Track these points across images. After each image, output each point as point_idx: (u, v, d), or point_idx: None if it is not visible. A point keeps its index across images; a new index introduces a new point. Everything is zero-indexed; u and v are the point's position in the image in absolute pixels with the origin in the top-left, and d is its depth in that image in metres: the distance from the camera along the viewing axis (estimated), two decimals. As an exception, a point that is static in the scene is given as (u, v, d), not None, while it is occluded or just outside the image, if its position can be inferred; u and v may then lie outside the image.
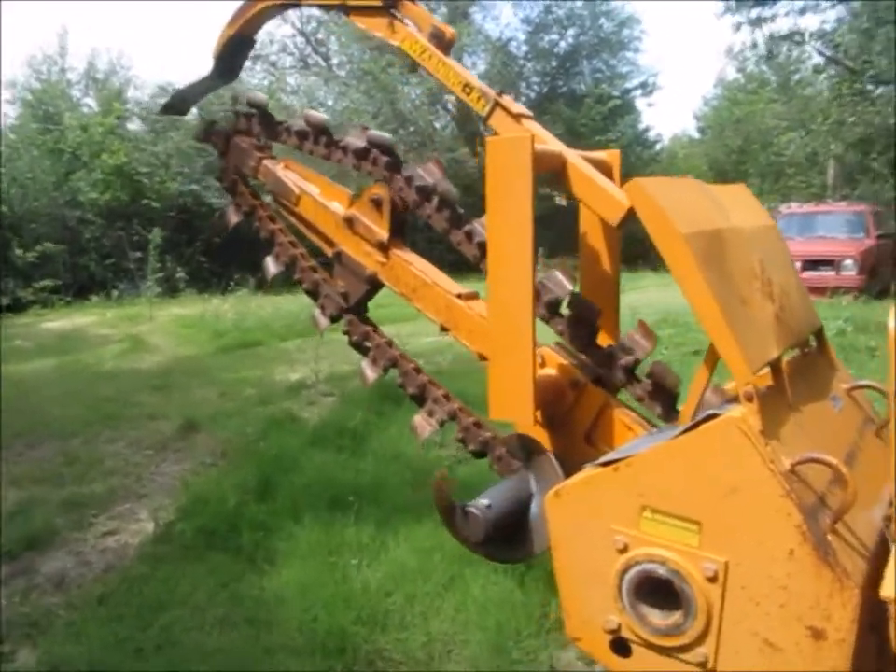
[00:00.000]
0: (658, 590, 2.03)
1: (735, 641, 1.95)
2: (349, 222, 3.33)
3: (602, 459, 2.13)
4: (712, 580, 1.95)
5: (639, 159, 35.31)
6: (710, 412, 1.95)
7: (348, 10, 3.53)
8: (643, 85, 34.35)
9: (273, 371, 10.87)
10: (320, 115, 3.54)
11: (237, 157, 3.80)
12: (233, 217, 3.95)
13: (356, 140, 3.33)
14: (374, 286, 3.34)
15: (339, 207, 3.42)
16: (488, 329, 2.68)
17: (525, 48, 33.41)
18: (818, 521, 1.87)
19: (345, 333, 3.47)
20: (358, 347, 3.44)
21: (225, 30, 3.90)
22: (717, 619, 1.96)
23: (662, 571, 2.00)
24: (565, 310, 2.93)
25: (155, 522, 5.29)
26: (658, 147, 37.79)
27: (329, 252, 3.48)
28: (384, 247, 3.25)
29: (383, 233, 3.24)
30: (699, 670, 2.00)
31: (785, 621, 1.89)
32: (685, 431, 1.96)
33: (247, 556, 4.18)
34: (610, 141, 31.55)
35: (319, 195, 3.50)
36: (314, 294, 3.60)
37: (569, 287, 2.88)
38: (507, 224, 2.54)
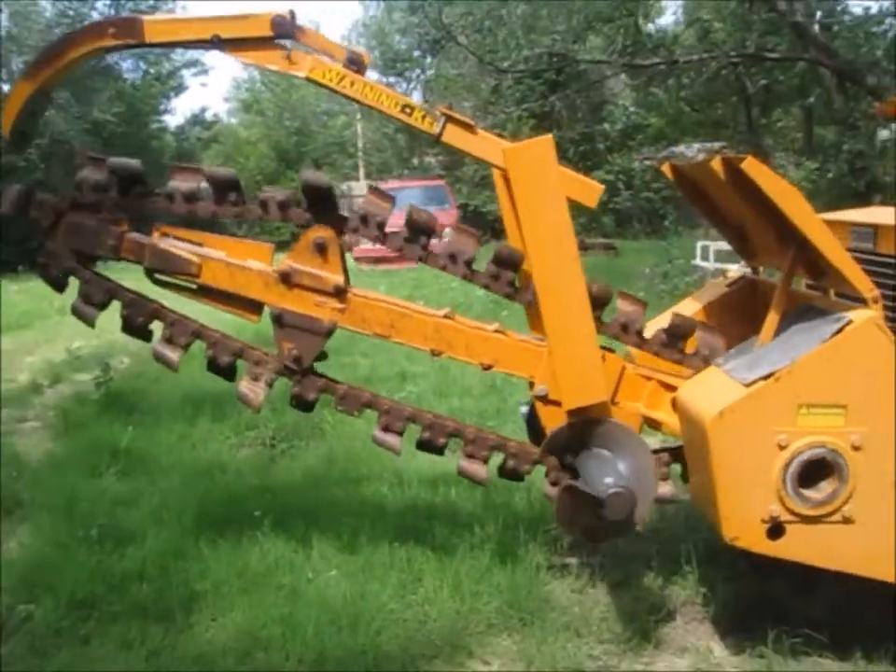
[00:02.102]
0: (810, 476, 2.47)
1: (872, 494, 2.49)
2: (285, 277, 2.97)
3: (751, 377, 2.47)
4: (857, 448, 2.46)
5: (199, 139, 34.52)
6: (846, 317, 2.43)
7: (224, 46, 3.01)
8: (194, 63, 33.30)
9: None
10: (227, 170, 3.07)
11: (81, 238, 2.98)
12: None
13: (276, 192, 3.00)
14: (330, 336, 3.05)
15: (260, 265, 3.02)
16: (548, 327, 2.81)
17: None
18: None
19: (297, 396, 3.14)
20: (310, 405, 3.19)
21: (21, 88, 3.01)
22: (860, 479, 2.47)
23: (822, 451, 2.44)
24: None
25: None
26: (217, 127, 37.32)
27: (251, 319, 3.09)
28: (340, 292, 3.00)
29: (336, 278, 2.98)
30: (845, 525, 2.50)
31: (907, 466, 2.49)
32: (833, 336, 2.41)
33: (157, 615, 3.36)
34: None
35: (228, 257, 3.02)
36: (227, 370, 3.17)
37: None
38: (549, 224, 2.74)
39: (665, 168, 3.38)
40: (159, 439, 5.32)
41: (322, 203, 2.99)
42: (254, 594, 3.28)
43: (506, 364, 3.01)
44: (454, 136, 3.01)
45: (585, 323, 2.77)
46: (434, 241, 3.05)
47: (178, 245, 2.98)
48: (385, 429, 3.12)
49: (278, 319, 2.97)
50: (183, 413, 5.86)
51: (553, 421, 2.97)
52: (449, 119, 3.00)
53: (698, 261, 13.23)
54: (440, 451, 3.22)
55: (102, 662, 2.92)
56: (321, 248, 2.92)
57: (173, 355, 3.08)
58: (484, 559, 3.46)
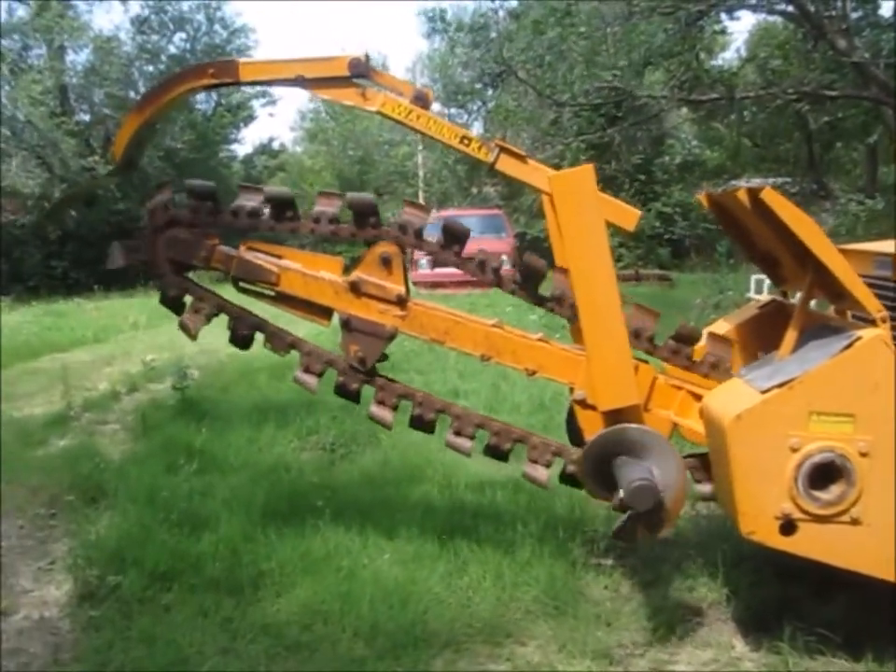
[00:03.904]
0: (820, 478, 2.72)
1: (878, 497, 2.72)
2: (354, 286, 3.38)
3: (767, 385, 2.74)
4: (864, 454, 2.70)
5: (266, 167, 35.91)
6: (856, 334, 2.70)
7: (307, 85, 3.44)
8: (263, 94, 34.76)
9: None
10: (282, 189, 3.54)
11: (178, 250, 3.44)
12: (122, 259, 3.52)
13: (328, 207, 3.39)
14: (392, 340, 3.44)
15: (332, 276, 3.43)
16: (586, 334, 3.13)
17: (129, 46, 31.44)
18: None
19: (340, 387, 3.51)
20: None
21: (131, 120, 3.49)
22: (867, 484, 2.71)
23: (831, 456, 2.69)
24: None
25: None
26: (283, 156, 38.80)
27: (322, 323, 3.52)
28: (402, 301, 3.38)
29: (399, 288, 3.38)
30: (852, 526, 2.74)
31: (911, 472, 2.72)
32: (842, 350, 2.67)
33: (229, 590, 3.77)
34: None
35: (304, 268, 3.44)
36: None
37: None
38: (588, 245, 3.08)
39: (702, 197, 3.68)
40: (229, 441, 5.77)
41: (374, 221, 3.37)
42: (315, 574, 3.64)
43: (548, 370, 3.33)
44: (507, 165, 3.38)
45: (619, 333, 3.08)
46: (505, 267, 3.41)
47: (261, 257, 3.41)
48: (458, 434, 3.46)
49: (346, 324, 3.37)
50: (250, 419, 6.32)
51: (590, 424, 3.28)
52: (502, 149, 3.37)
53: (752, 294, 13.28)
54: (505, 456, 3.53)
55: (181, 627, 3.31)
56: (386, 261, 3.31)
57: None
58: (525, 554, 3.76)
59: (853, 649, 3.07)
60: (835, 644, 3.08)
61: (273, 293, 3.45)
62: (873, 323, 2.75)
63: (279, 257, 3.44)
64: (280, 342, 3.51)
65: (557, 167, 3.55)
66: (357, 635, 3.23)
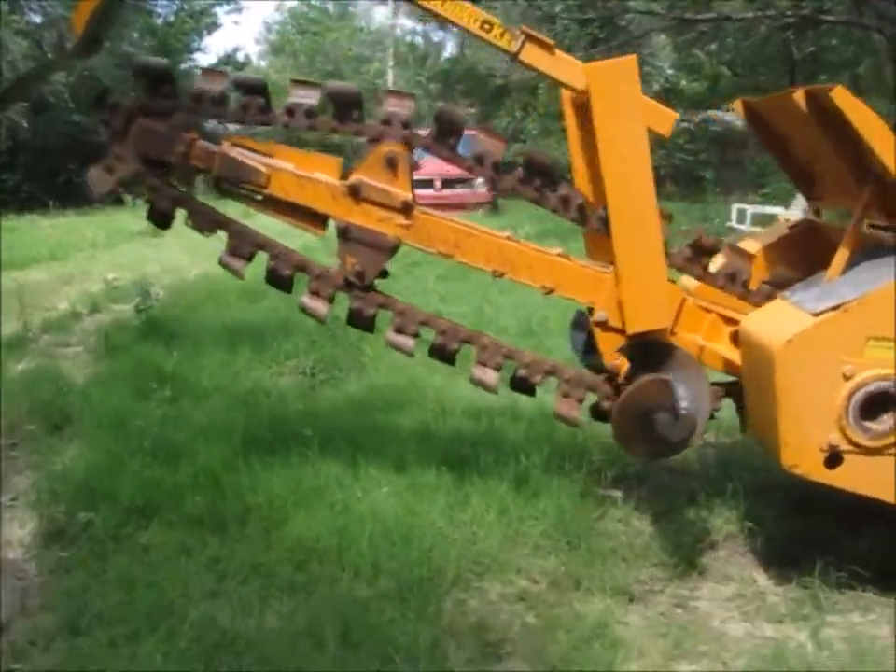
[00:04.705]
0: (871, 408, 2.49)
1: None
2: (353, 190, 2.97)
3: (820, 308, 2.47)
4: (919, 384, 2.47)
5: (230, 78, 34.08)
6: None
7: None
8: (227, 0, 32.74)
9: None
10: (252, 74, 3.09)
11: (152, 143, 2.98)
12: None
13: (305, 98, 2.97)
14: (395, 252, 3.06)
15: (328, 178, 3.01)
16: (619, 249, 2.80)
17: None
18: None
19: (357, 312, 3.14)
20: (368, 322, 3.19)
21: None
22: (920, 415, 2.49)
23: (887, 385, 2.46)
24: None
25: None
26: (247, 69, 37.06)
27: (316, 232, 3.10)
28: (408, 208, 2.99)
29: (405, 193, 2.98)
30: (898, 458, 2.53)
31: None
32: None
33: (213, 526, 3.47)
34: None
35: (297, 169, 3.01)
36: (284, 280, 3.12)
37: None
38: (630, 149, 2.73)
39: (737, 105, 3.34)
40: (201, 365, 5.41)
41: (349, 112, 2.98)
42: (307, 508, 3.37)
43: (567, 288, 3.03)
44: (532, 56, 2.97)
45: (655, 249, 2.78)
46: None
47: (248, 154, 3.00)
48: (443, 347, 3.14)
49: (344, 233, 2.99)
50: (222, 342, 5.95)
51: (610, 348, 3.00)
52: (529, 37, 2.95)
53: (734, 223, 13.10)
54: (533, 390, 3.27)
55: (163, 568, 3.02)
56: (391, 163, 2.92)
57: (238, 264, 3.11)
58: (530, 486, 3.53)
59: (883, 584, 2.93)
60: (864, 579, 2.93)
61: (260, 197, 3.04)
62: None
63: (269, 154, 3.02)
64: (248, 242, 3.11)
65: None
66: (357, 574, 2.99)
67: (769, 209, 12.70)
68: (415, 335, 3.12)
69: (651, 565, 3.12)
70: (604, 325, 3.01)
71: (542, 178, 3.01)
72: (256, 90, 3.01)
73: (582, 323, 3.34)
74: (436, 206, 3.78)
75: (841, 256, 2.66)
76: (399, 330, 3.10)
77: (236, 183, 3.02)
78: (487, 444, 3.96)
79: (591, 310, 3.08)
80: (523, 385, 3.22)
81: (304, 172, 2.99)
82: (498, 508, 3.40)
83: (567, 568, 3.08)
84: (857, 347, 2.46)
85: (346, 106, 3.00)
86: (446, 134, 3.03)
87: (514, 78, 22.01)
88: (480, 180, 19.63)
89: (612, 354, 3.01)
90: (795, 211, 9.47)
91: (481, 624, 2.75)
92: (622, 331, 2.96)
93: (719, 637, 2.76)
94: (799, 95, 2.67)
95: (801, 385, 2.48)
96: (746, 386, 2.84)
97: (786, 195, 12.45)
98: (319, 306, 3.09)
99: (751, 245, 3.40)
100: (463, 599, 2.90)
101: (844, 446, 2.53)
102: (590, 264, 3.08)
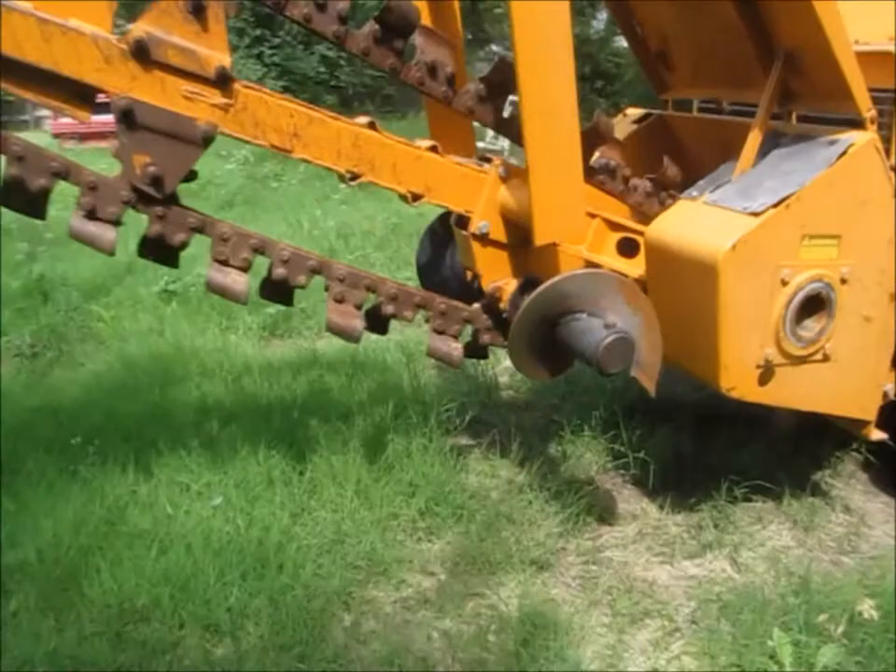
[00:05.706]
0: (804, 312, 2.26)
1: (846, 327, 2.34)
2: (140, 50, 1.93)
3: (757, 206, 2.13)
4: (844, 281, 2.27)
5: None
6: (848, 139, 2.17)
7: None
8: None
9: None
10: None
11: None
12: None
13: None
14: (208, 146, 2.08)
15: (96, 29, 1.92)
16: (528, 150, 2.23)
17: None
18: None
19: (156, 239, 2.18)
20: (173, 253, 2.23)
21: None
22: (842, 316, 2.30)
23: (820, 286, 2.22)
24: None
25: None
26: None
27: (77, 115, 1.99)
28: (224, 79, 2.04)
29: (220, 56, 2.00)
30: (822, 364, 2.35)
31: (878, 295, 2.36)
32: (838, 159, 2.14)
33: None
34: None
35: (44, 12, 1.86)
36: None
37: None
38: (549, 26, 2.14)
39: None
40: None
41: None
42: (105, 553, 2.40)
43: (440, 194, 2.37)
44: None
45: (573, 152, 2.24)
46: None
47: None
48: (284, 281, 2.30)
49: (126, 116, 1.96)
50: None
51: (491, 264, 2.46)
52: None
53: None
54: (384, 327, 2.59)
55: None
56: (198, 9, 1.95)
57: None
58: (382, 453, 2.90)
59: (768, 491, 2.84)
60: (752, 489, 2.81)
61: None
62: (853, 125, 2.25)
63: None
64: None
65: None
66: (208, 629, 2.18)
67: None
68: (245, 268, 2.23)
69: (545, 525, 2.70)
70: (484, 238, 2.44)
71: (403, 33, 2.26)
72: None
73: (439, 235, 2.75)
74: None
75: (751, 148, 2.34)
76: (224, 262, 2.20)
77: None
78: (314, 408, 3.23)
79: (462, 219, 2.49)
80: (377, 322, 2.54)
81: (55, 17, 1.88)
82: (355, 489, 2.75)
83: (459, 549, 2.56)
84: (794, 248, 2.18)
85: None
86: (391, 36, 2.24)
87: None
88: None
89: (494, 274, 2.48)
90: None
91: (390, 653, 2.14)
92: (505, 246, 2.43)
93: (649, 590, 2.46)
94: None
95: (743, 297, 2.15)
96: (664, 307, 2.45)
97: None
98: (103, 232, 2.04)
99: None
100: (357, 622, 2.25)
101: (777, 360, 2.27)
102: (466, 162, 2.46)
